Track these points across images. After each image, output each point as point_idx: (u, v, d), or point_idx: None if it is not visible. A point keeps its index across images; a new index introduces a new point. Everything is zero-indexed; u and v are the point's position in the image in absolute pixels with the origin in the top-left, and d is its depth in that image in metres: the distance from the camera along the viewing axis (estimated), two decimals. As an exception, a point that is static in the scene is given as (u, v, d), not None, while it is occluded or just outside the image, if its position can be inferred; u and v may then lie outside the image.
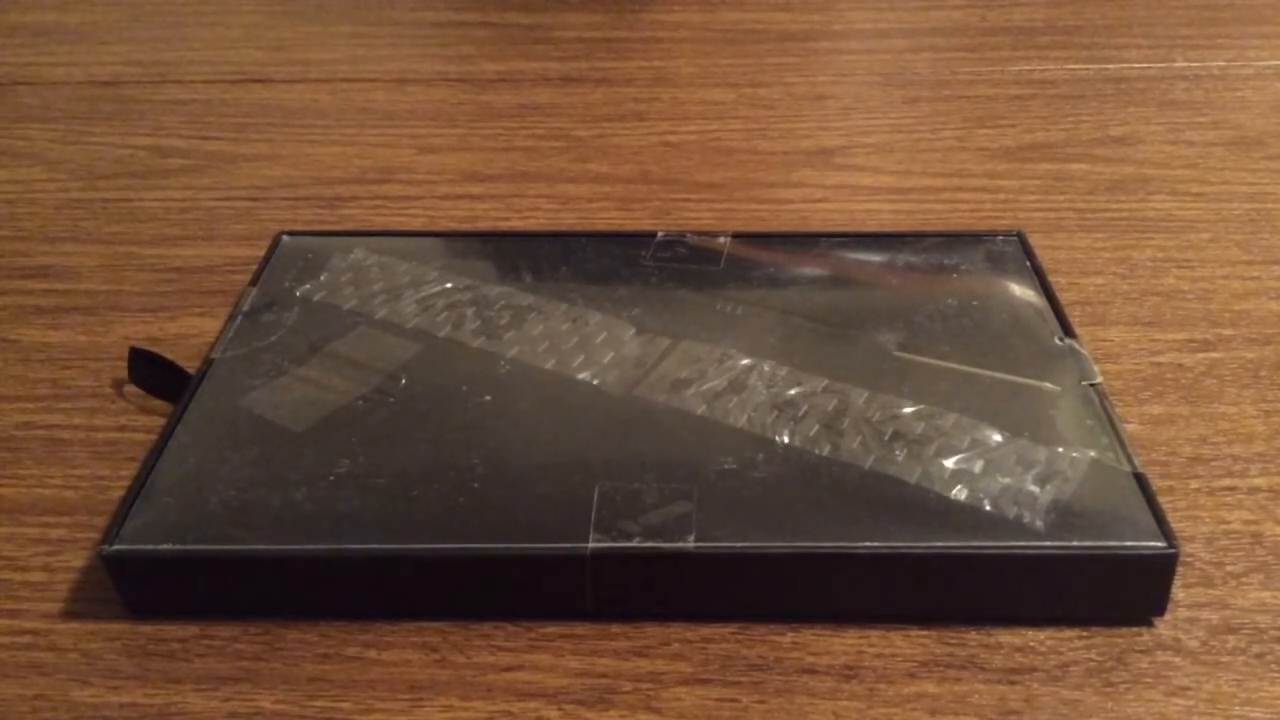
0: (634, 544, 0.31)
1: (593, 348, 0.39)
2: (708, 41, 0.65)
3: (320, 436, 0.36)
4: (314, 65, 0.62)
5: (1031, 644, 0.31)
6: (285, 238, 0.45)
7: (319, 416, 0.36)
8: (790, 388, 0.37)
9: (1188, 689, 0.29)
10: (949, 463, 0.34)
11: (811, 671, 0.30)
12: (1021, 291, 0.41)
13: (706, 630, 0.31)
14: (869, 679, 0.30)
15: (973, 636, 0.31)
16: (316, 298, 0.41)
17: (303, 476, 0.34)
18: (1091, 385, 0.36)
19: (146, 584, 0.32)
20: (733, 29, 0.66)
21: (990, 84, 0.60)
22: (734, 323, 0.40)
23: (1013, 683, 0.30)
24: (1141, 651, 0.30)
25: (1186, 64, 0.59)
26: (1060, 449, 0.34)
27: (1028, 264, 0.42)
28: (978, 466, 0.33)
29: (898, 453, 0.34)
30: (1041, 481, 0.33)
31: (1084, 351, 0.37)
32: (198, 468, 0.34)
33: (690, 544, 0.31)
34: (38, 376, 0.41)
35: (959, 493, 0.32)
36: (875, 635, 0.31)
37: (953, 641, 0.31)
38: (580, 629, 0.31)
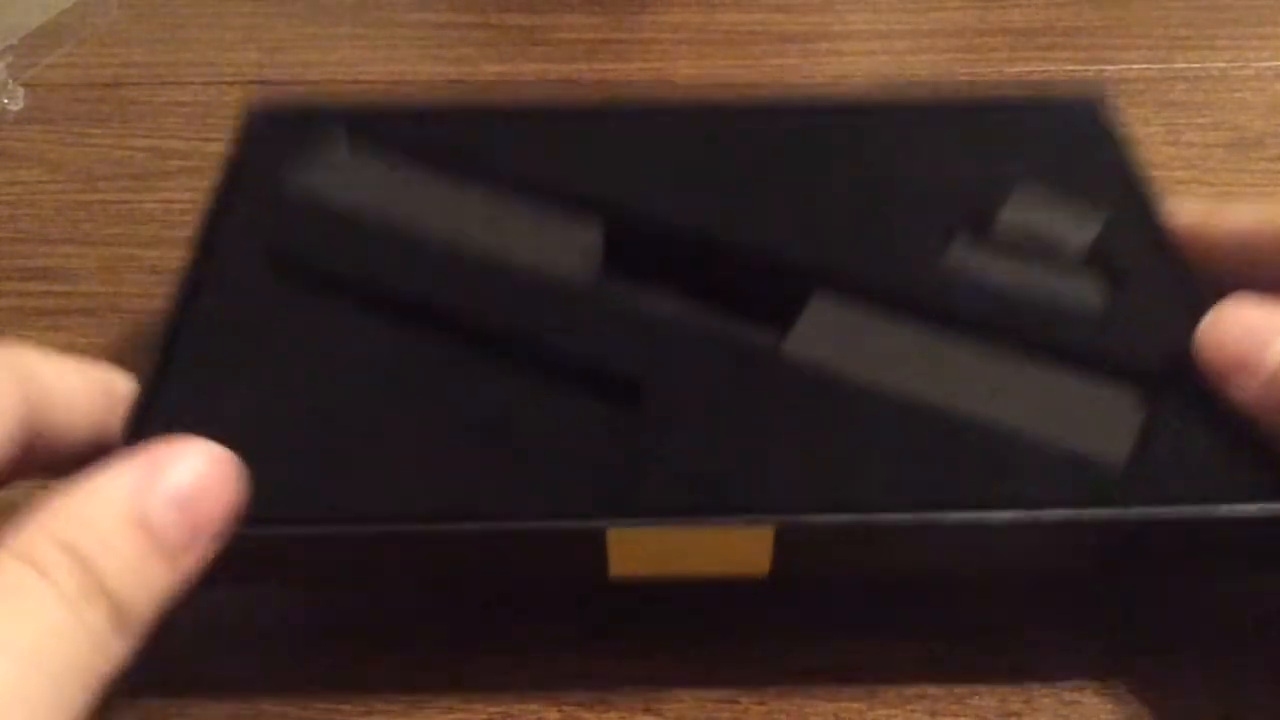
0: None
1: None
2: (707, 43, 0.65)
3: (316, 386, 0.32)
4: (313, 67, 0.62)
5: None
6: (259, 117, 0.41)
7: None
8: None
9: None
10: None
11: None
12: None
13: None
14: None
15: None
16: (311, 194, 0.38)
17: (296, 442, 0.30)
18: None
19: None
20: (732, 30, 0.66)
21: (990, 85, 0.60)
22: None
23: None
24: None
25: (1186, 65, 0.59)
26: None
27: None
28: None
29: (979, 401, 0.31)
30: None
31: None
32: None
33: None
34: (37, 378, 0.41)
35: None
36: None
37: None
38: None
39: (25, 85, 0.50)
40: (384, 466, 0.30)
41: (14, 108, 0.50)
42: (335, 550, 0.29)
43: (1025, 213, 0.37)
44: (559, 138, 0.41)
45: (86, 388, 0.29)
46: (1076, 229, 0.36)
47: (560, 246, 0.37)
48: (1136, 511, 0.28)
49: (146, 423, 0.30)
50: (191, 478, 0.25)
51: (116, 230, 0.50)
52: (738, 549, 0.29)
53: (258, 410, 0.31)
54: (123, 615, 0.23)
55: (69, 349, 0.45)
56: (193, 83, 0.63)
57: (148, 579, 0.24)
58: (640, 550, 0.29)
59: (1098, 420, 0.31)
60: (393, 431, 0.31)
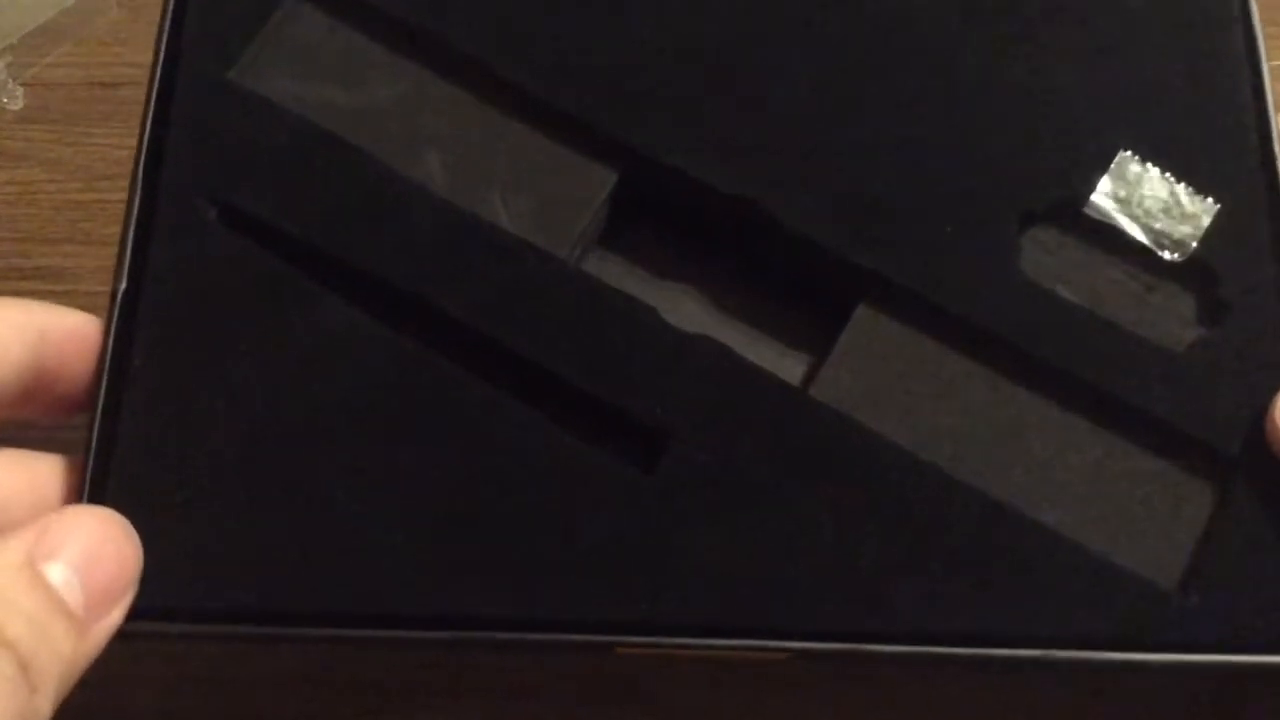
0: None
1: None
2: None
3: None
4: (313, 67, 0.62)
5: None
6: None
7: None
8: None
9: None
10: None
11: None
12: None
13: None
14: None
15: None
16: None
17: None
18: None
19: None
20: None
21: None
22: None
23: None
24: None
25: (1186, 64, 0.59)
26: None
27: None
28: None
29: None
30: None
31: None
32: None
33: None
34: (37, 377, 0.41)
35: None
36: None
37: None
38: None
39: (25, 85, 0.50)
40: (366, 552, 0.27)
41: (14, 107, 0.50)
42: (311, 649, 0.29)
43: (1127, 186, 0.32)
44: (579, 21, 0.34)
45: (78, 336, 0.30)
46: (1182, 219, 0.32)
47: (564, 208, 0.32)
48: (1177, 659, 0.26)
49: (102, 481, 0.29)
50: (85, 542, 0.25)
51: (116, 230, 0.49)
52: (753, 658, 0.27)
53: (223, 482, 0.28)
54: (28, 670, 0.23)
55: (69, 349, 0.45)
56: (193, 82, 0.63)
57: (51, 637, 0.24)
58: (648, 653, 0.27)
59: (1156, 516, 0.28)
60: (376, 506, 0.28)
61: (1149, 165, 0.33)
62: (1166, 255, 0.32)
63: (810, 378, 0.31)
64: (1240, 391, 0.29)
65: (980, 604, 0.27)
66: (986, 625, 0.27)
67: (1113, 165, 0.33)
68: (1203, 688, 0.31)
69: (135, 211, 0.32)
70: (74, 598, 0.24)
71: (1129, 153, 0.33)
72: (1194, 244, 0.32)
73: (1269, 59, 0.58)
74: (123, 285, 0.31)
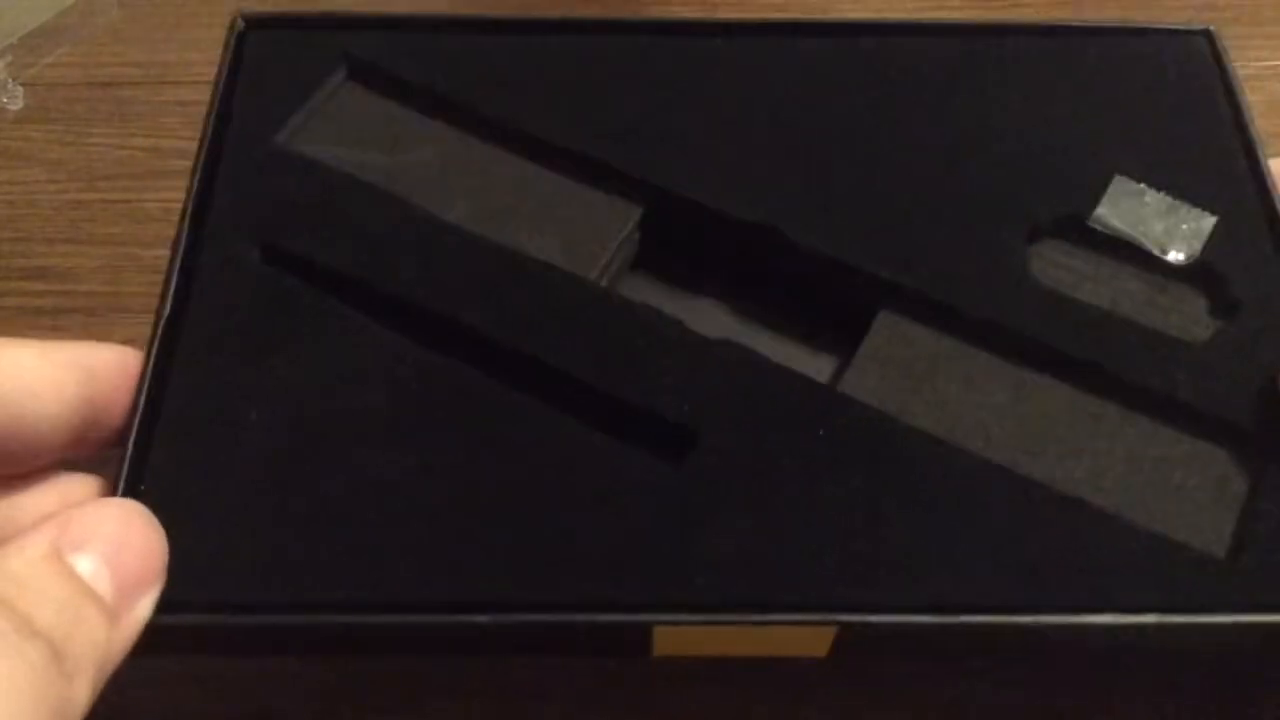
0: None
1: None
2: (707, 43, 0.64)
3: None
4: (313, 67, 0.62)
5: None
6: (249, 34, 0.38)
7: None
8: None
9: None
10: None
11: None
12: None
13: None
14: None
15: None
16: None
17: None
18: None
19: None
20: (732, 30, 0.65)
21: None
22: None
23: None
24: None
25: (1186, 65, 0.59)
26: None
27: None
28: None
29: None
30: None
31: None
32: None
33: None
34: (37, 377, 0.41)
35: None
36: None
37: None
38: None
39: (25, 85, 0.50)
40: (404, 545, 0.28)
41: (14, 107, 0.50)
42: (347, 637, 0.28)
43: (1126, 203, 0.33)
44: (590, 69, 0.37)
45: (121, 369, 0.30)
46: (1182, 226, 0.33)
47: (590, 240, 0.33)
48: (1234, 619, 0.26)
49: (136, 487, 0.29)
50: (110, 532, 0.25)
51: (116, 230, 0.50)
52: (794, 641, 0.27)
53: (259, 482, 0.29)
54: (63, 659, 0.22)
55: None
56: (193, 82, 0.63)
57: (85, 624, 0.23)
58: (687, 640, 0.27)
59: (1196, 492, 0.29)
60: (412, 501, 0.28)
61: (1145, 185, 0.34)
62: (1171, 258, 0.33)
63: (835, 380, 0.32)
64: (1262, 372, 0.30)
65: (1029, 579, 0.27)
66: (1035, 600, 0.26)
67: (1111, 186, 0.34)
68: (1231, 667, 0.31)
69: (181, 253, 0.33)
70: (103, 587, 0.24)
71: (1125, 176, 0.34)
72: (1198, 250, 0.33)
73: (1269, 59, 0.58)
74: (168, 309, 0.31)
